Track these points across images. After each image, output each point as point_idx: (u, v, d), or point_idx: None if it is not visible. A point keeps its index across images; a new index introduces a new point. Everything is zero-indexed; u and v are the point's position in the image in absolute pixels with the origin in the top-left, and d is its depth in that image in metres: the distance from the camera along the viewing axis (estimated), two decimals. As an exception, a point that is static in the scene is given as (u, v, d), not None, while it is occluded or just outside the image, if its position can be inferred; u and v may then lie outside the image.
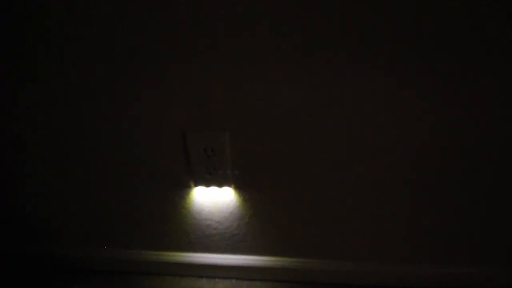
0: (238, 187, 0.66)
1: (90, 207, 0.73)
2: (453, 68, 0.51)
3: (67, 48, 0.55)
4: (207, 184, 0.66)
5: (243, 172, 0.64)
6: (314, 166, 0.62)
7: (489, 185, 0.60)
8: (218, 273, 0.76)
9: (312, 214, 0.67)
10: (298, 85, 0.54)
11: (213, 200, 0.69)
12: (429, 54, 0.50)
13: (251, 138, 0.60)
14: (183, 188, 0.68)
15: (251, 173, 0.64)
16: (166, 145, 0.63)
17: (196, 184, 0.66)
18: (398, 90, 0.53)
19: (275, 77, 0.54)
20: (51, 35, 0.54)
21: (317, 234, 0.69)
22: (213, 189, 0.67)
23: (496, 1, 0.46)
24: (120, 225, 0.74)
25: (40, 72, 0.58)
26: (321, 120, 0.57)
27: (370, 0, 0.47)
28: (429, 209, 0.64)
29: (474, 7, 0.47)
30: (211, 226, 0.72)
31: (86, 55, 0.56)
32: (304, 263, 0.73)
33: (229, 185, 0.66)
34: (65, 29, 0.54)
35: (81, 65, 0.57)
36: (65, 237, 0.78)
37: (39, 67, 0.57)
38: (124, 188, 0.69)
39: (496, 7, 0.46)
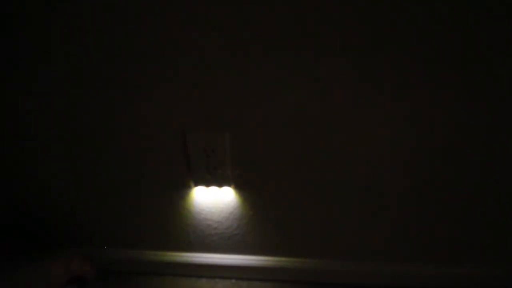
0: (238, 187, 0.66)
1: (90, 207, 0.72)
2: (453, 67, 0.51)
3: (67, 49, 0.55)
4: (207, 184, 0.66)
5: (243, 172, 0.64)
6: (314, 166, 0.62)
7: (489, 185, 0.60)
8: (218, 273, 0.76)
9: (312, 214, 0.67)
10: (298, 85, 0.55)
11: (213, 200, 0.69)
12: (429, 54, 0.50)
13: (251, 138, 0.60)
14: (183, 188, 0.68)
15: (251, 173, 0.64)
16: (166, 145, 0.63)
17: (196, 184, 0.66)
18: (398, 90, 0.53)
19: (275, 78, 0.54)
20: (52, 35, 0.54)
21: (317, 234, 0.69)
22: (213, 189, 0.67)
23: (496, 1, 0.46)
24: (120, 225, 0.74)
25: (41, 72, 0.58)
26: (321, 120, 0.57)
27: (369, 1, 0.47)
28: (429, 209, 0.64)
29: (473, 6, 0.47)
30: (211, 226, 0.72)
31: (86, 56, 0.56)
32: (304, 263, 0.73)
33: (229, 185, 0.66)
34: (66, 30, 0.54)
35: (80, 66, 0.57)
36: (65, 237, 0.78)
37: (39, 68, 0.58)
38: (124, 188, 0.69)
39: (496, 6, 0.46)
